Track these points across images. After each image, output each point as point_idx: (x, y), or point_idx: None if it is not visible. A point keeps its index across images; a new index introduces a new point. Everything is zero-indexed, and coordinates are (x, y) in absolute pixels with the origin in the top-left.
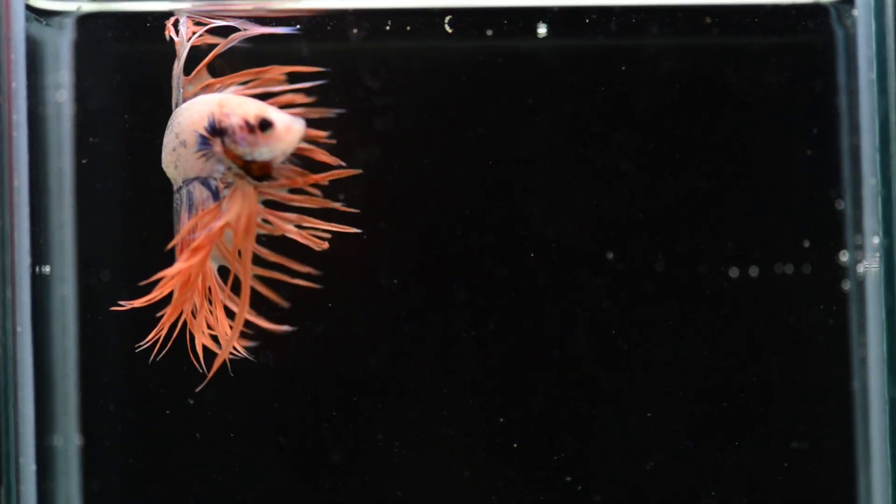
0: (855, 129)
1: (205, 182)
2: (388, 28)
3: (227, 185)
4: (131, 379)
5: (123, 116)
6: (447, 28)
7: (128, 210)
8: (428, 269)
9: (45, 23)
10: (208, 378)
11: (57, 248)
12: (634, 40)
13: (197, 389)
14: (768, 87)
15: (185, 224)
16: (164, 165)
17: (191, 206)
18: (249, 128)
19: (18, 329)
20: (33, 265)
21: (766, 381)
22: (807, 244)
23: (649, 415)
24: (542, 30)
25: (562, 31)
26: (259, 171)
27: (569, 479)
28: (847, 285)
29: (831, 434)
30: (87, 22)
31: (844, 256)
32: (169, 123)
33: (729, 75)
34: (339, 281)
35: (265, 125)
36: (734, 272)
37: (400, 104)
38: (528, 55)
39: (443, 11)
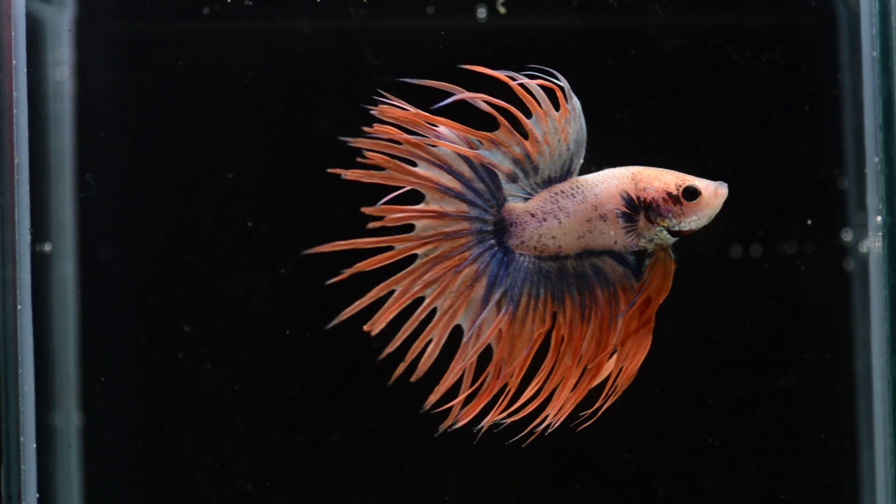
0: (858, 107)
1: (619, 257)
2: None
3: (647, 258)
4: (132, 357)
5: (124, 94)
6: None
7: (128, 188)
8: None
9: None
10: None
11: (57, 225)
12: (636, 19)
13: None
14: (771, 64)
15: (599, 298)
16: (545, 228)
17: (601, 282)
18: (673, 199)
19: (19, 307)
20: (33, 243)
21: (767, 360)
22: (809, 223)
23: (650, 394)
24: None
25: (563, 9)
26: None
27: (568, 455)
28: (850, 264)
29: (833, 414)
30: None
31: (847, 235)
32: (574, 191)
33: (731, 53)
34: None
35: (690, 194)
36: (736, 251)
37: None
38: (529, 34)
39: None
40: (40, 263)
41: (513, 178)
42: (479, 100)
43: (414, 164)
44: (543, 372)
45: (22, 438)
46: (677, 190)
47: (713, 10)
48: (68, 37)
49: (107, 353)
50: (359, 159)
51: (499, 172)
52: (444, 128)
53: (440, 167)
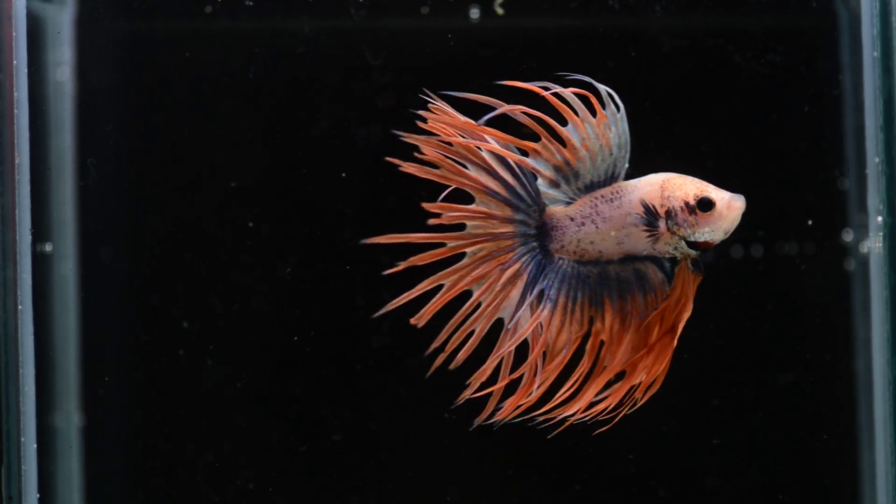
0: (859, 107)
1: (658, 263)
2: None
3: (675, 265)
4: (133, 357)
5: (124, 94)
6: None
7: (128, 188)
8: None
9: None
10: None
11: (58, 225)
12: (636, 20)
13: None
14: (772, 65)
15: (640, 304)
16: (583, 233)
17: (643, 288)
18: (690, 209)
19: (19, 307)
20: (34, 243)
21: (767, 360)
22: (810, 223)
23: (651, 394)
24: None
25: (563, 10)
26: (703, 249)
27: (568, 455)
28: (850, 265)
29: (833, 414)
30: None
31: (848, 236)
32: (613, 195)
33: (731, 54)
34: None
35: (704, 205)
36: (737, 251)
37: (401, 82)
38: (529, 35)
39: None
40: (41, 264)
41: (555, 184)
42: (518, 112)
43: (464, 167)
44: (577, 374)
45: (23, 439)
46: (694, 200)
47: (714, 12)
48: (69, 36)
49: (107, 353)
50: (415, 154)
51: (541, 178)
52: (490, 136)
53: (487, 171)
